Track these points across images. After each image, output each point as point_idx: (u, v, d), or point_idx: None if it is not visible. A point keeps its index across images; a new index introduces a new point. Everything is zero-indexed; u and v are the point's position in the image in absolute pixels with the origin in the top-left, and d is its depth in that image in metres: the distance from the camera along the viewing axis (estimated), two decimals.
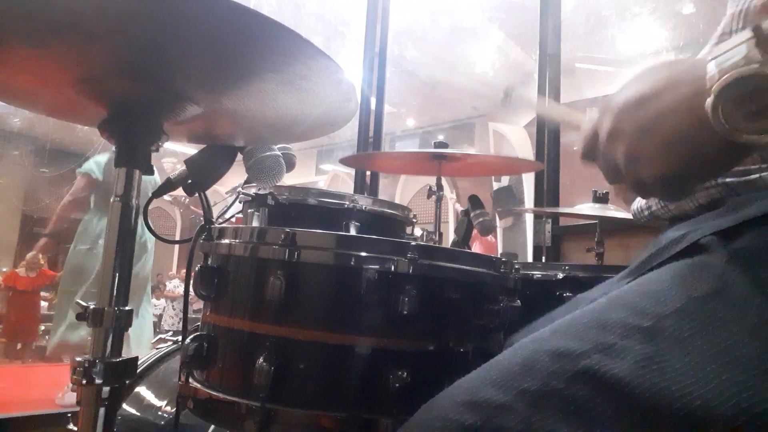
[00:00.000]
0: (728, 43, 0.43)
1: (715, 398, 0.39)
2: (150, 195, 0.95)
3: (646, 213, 0.71)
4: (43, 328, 6.90)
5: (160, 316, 8.89)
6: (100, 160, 3.37)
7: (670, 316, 0.45)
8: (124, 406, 1.08)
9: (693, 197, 0.61)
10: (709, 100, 0.42)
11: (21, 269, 7.18)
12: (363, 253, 0.76)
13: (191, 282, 0.85)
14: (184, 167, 0.94)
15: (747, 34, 0.41)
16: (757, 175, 0.55)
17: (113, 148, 0.79)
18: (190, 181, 0.93)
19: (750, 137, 0.41)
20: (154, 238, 3.36)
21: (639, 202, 0.72)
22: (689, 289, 0.47)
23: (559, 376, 0.44)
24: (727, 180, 0.57)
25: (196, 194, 0.94)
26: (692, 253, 0.51)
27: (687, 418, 0.39)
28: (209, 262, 0.85)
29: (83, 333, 3.12)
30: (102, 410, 0.74)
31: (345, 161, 1.62)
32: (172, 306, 8.81)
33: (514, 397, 0.45)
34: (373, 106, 2.80)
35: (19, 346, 6.96)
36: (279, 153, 1.05)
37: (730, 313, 0.44)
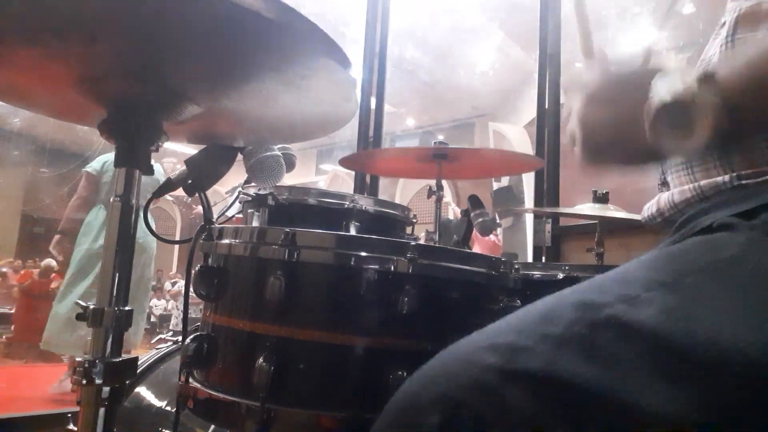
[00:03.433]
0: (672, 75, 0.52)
1: (741, 341, 0.40)
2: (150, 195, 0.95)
3: (659, 219, 0.71)
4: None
5: (160, 316, 8.91)
6: (104, 158, 3.40)
7: (692, 273, 0.47)
8: (125, 406, 1.08)
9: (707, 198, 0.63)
10: (648, 118, 0.50)
11: (34, 271, 7.22)
12: (363, 253, 0.76)
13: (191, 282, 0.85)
14: (184, 167, 0.94)
15: (699, 65, 0.50)
16: None
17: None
18: (190, 181, 0.93)
19: (675, 152, 0.51)
20: (155, 241, 3.38)
21: (651, 209, 0.73)
22: (712, 254, 0.49)
23: (582, 323, 0.45)
24: (743, 182, 0.59)
25: (197, 194, 0.94)
26: (714, 230, 0.54)
27: (714, 358, 0.40)
28: (209, 262, 0.85)
29: (70, 336, 3.13)
30: (102, 410, 0.74)
31: (344, 162, 1.62)
32: (176, 306, 8.84)
33: (536, 340, 0.45)
34: (373, 105, 2.80)
35: (26, 346, 6.98)
36: (279, 153, 1.05)
37: (753, 274, 0.46)
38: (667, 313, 0.43)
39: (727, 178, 0.59)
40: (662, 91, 0.50)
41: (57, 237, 3.40)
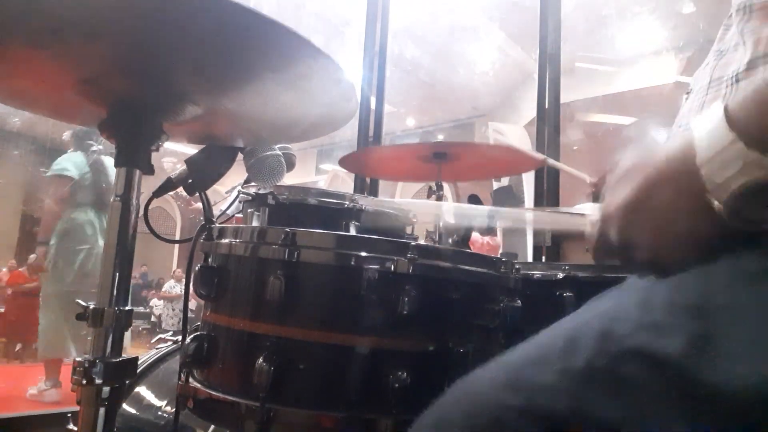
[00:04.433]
0: (712, 138, 0.43)
1: None
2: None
3: None
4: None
5: (160, 316, 8.91)
6: (74, 158, 3.34)
7: (720, 292, 0.44)
8: (124, 406, 1.08)
9: None
10: (719, 205, 0.43)
11: (24, 269, 7.19)
12: (363, 253, 0.76)
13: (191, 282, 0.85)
14: (184, 167, 0.94)
15: (729, 134, 0.42)
16: None
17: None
18: (190, 180, 0.93)
19: None
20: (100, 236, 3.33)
21: None
22: (741, 267, 0.45)
23: (605, 355, 0.43)
24: None
25: (197, 194, 0.94)
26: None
27: (743, 398, 0.38)
28: (209, 262, 0.85)
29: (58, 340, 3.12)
30: (102, 410, 0.74)
31: (344, 162, 1.62)
32: (171, 307, 8.83)
33: (557, 376, 0.43)
34: (373, 105, 2.80)
35: (18, 346, 6.96)
36: (279, 153, 1.05)
37: None
38: (693, 342, 0.40)
39: None
40: (718, 176, 0.43)
41: (43, 249, 3.34)
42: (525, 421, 0.42)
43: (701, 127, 0.45)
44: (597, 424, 0.40)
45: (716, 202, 0.43)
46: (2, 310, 7.41)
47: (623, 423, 0.40)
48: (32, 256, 7.09)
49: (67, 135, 3.51)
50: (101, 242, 3.23)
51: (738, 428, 0.38)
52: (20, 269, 7.34)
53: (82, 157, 3.35)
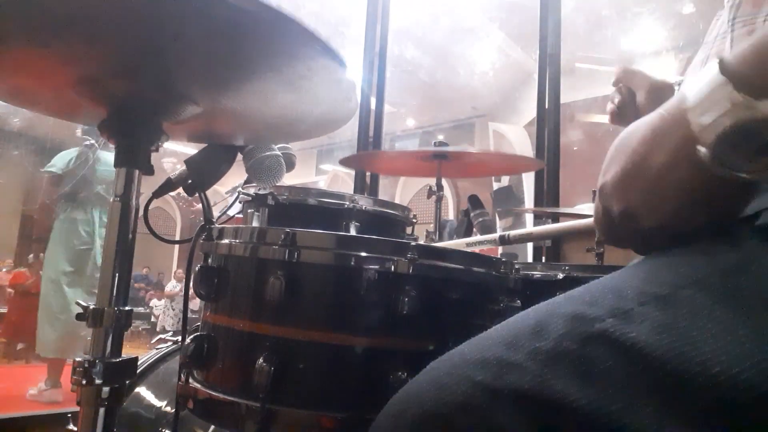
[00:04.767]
0: (703, 84, 0.44)
1: (736, 365, 0.38)
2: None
3: None
4: None
5: (160, 317, 8.92)
6: (64, 155, 3.36)
7: (689, 286, 0.45)
8: (124, 406, 1.08)
9: None
10: (705, 151, 0.43)
11: (25, 269, 7.21)
12: (363, 253, 0.76)
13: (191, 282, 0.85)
14: (184, 167, 0.94)
15: (719, 77, 0.42)
16: None
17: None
18: (190, 181, 0.93)
19: (755, 175, 0.42)
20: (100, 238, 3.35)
21: None
22: (712, 262, 0.46)
23: (573, 338, 0.44)
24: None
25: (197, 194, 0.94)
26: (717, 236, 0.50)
27: (706, 384, 0.38)
28: (209, 262, 0.85)
29: (54, 336, 3.14)
30: (102, 410, 0.74)
31: (345, 162, 1.62)
32: (171, 306, 8.86)
33: (525, 356, 0.44)
34: (373, 105, 2.81)
35: (19, 346, 6.97)
36: (279, 153, 1.05)
37: (755, 286, 0.43)
38: (660, 330, 0.42)
39: None
40: (705, 118, 0.43)
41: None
42: (491, 398, 0.43)
43: (694, 79, 0.45)
44: (560, 404, 0.41)
45: (702, 149, 0.43)
46: (3, 310, 7.42)
47: (586, 404, 0.40)
48: (31, 256, 7.13)
49: (78, 131, 3.53)
50: (82, 236, 3.24)
51: (695, 414, 0.39)
52: (22, 269, 7.36)
53: (74, 153, 3.36)
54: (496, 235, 1.11)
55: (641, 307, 0.44)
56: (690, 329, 0.41)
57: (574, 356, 0.43)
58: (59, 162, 3.33)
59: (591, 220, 0.96)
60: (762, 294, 0.43)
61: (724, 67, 0.42)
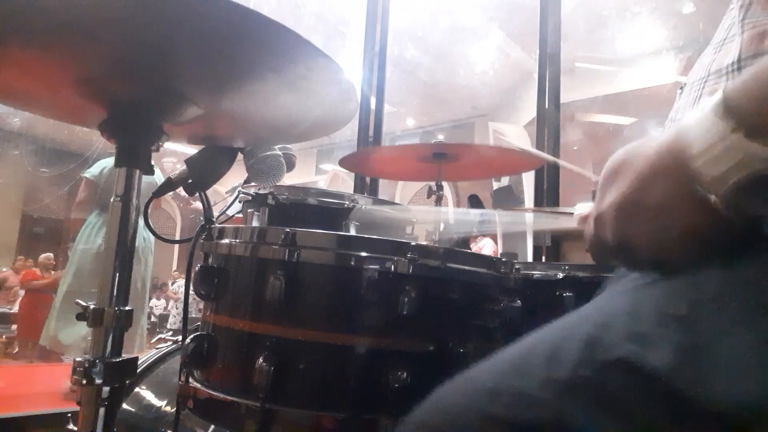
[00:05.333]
0: (707, 128, 0.41)
1: (761, 394, 0.36)
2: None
3: None
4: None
5: (160, 316, 8.93)
6: (104, 163, 3.43)
7: (708, 303, 0.42)
8: (124, 406, 1.08)
9: None
10: (717, 200, 0.41)
11: (36, 269, 7.26)
12: (363, 253, 0.76)
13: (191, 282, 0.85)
14: (184, 167, 0.94)
15: (726, 122, 0.39)
16: None
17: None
18: (190, 180, 0.93)
19: None
20: (152, 242, 3.40)
21: None
22: (730, 273, 0.43)
23: (589, 365, 0.42)
24: None
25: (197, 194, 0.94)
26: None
27: (730, 412, 0.37)
28: (209, 262, 0.85)
29: (75, 333, 3.16)
30: (102, 410, 0.74)
31: (344, 162, 1.62)
32: (176, 306, 8.91)
33: (540, 385, 0.42)
34: (373, 105, 2.81)
35: (29, 345, 6.98)
36: (279, 153, 1.05)
37: (764, 303, 0.40)
38: (681, 356, 0.39)
39: None
40: (715, 169, 0.40)
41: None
42: (506, 431, 0.41)
43: (694, 117, 0.42)
44: None
45: (713, 196, 0.41)
46: (8, 309, 7.44)
47: None
48: (43, 255, 7.18)
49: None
50: (98, 242, 3.28)
51: None
52: (34, 269, 7.40)
53: (110, 161, 3.41)
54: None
55: (660, 330, 0.41)
56: (712, 355, 0.39)
57: (592, 385, 0.41)
58: (95, 169, 3.41)
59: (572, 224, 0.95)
60: None
61: (731, 110, 0.39)
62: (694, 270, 0.46)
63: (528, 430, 0.41)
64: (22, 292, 7.26)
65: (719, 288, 0.43)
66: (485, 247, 5.03)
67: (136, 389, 1.13)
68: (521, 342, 0.49)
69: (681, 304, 0.43)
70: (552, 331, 0.48)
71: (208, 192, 0.96)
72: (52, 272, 6.97)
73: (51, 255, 7.10)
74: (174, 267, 11.49)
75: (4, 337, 7.20)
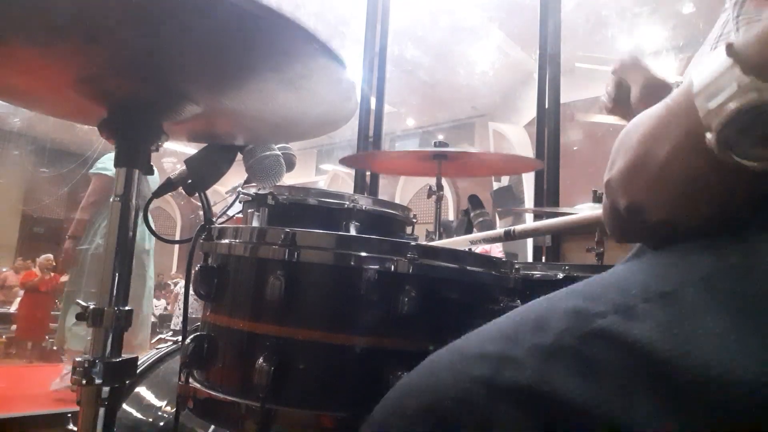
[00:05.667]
0: (710, 69, 0.42)
1: (739, 367, 0.37)
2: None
3: None
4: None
5: (160, 317, 8.94)
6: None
7: (694, 283, 0.43)
8: (124, 406, 1.08)
9: None
10: (711, 136, 0.41)
11: (36, 269, 7.27)
12: (363, 253, 0.76)
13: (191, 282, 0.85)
14: (184, 167, 0.94)
15: (727, 60, 0.40)
16: None
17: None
18: (190, 180, 0.93)
19: (763, 164, 0.40)
20: (153, 242, 3.36)
21: None
22: (718, 260, 0.44)
23: (573, 333, 0.43)
24: None
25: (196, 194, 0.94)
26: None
27: (706, 384, 0.38)
28: (209, 262, 0.85)
29: (83, 335, 3.14)
30: (102, 410, 0.74)
31: (345, 161, 1.62)
32: (178, 306, 8.92)
33: (525, 351, 0.44)
34: (373, 105, 2.81)
35: (29, 345, 6.99)
36: (279, 153, 1.05)
37: (761, 286, 0.42)
38: (663, 329, 0.41)
39: None
40: (712, 103, 0.41)
41: (68, 242, 3.31)
42: (491, 393, 0.43)
43: (700, 65, 0.43)
44: (559, 400, 0.40)
45: (708, 135, 0.41)
46: (6, 310, 7.45)
47: (585, 401, 0.40)
48: (43, 256, 7.20)
49: None
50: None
51: (696, 413, 0.38)
52: (34, 269, 7.42)
53: None
54: (501, 231, 1.10)
55: (645, 304, 0.43)
56: (694, 329, 0.40)
57: (574, 352, 0.42)
58: (107, 164, 3.22)
59: (596, 213, 0.96)
60: (759, 292, 0.41)
61: (731, 51, 0.41)
62: (705, 234, 0.46)
63: (511, 392, 0.42)
64: (21, 293, 7.27)
65: (706, 271, 0.44)
66: (493, 247, 5.03)
67: (136, 389, 1.13)
68: (511, 313, 0.51)
69: (667, 282, 0.44)
70: (542, 302, 0.49)
71: (208, 192, 0.96)
72: (52, 273, 6.98)
73: (51, 256, 7.11)
74: (174, 269, 11.49)
75: (3, 337, 7.20)
